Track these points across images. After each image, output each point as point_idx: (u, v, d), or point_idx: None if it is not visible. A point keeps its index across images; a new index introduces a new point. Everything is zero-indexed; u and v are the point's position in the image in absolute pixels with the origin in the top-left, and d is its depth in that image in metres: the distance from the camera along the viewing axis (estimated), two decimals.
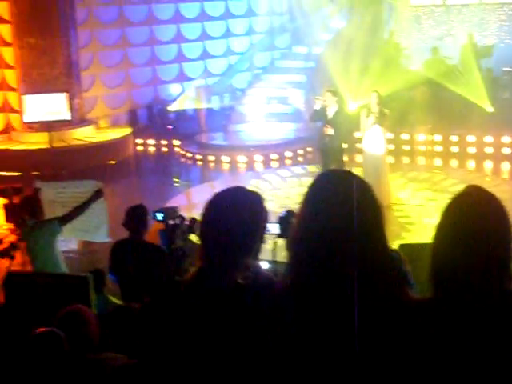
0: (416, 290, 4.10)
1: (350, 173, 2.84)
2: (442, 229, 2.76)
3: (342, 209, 2.63)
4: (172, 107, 22.30)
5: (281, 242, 4.67)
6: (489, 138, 18.13)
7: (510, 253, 2.70)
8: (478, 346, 2.61)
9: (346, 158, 14.55)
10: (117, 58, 21.76)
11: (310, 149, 18.99)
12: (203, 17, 23.44)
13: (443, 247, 2.73)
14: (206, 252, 2.90)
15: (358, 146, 16.76)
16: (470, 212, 2.72)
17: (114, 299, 7.65)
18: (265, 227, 2.99)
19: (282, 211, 4.70)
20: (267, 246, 3.11)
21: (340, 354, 2.59)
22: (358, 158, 16.24)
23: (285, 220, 4.66)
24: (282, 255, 4.48)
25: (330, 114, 13.88)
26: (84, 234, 9.75)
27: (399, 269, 2.81)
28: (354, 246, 2.60)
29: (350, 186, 2.70)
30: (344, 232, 2.61)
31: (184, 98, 22.60)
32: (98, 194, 8.53)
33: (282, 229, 4.61)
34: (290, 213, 4.69)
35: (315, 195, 2.76)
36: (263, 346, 2.72)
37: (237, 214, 2.87)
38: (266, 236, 3.01)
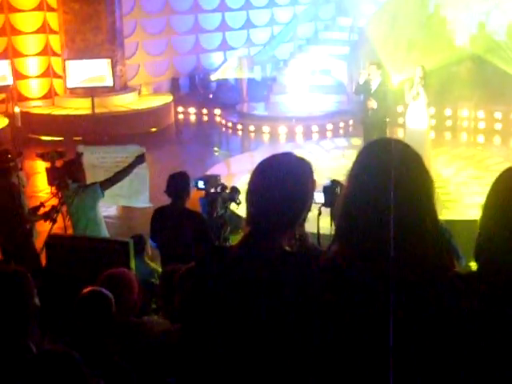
0: (464, 263, 4.09)
1: (401, 142, 2.78)
2: (490, 201, 2.71)
3: (390, 178, 2.59)
4: (214, 76, 22.28)
5: (325, 211, 4.64)
6: None
7: None
8: None
9: (388, 132, 14.43)
10: (160, 26, 21.77)
11: (351, 122, 18.89)
12: None
13: (491, 220, 2.69)
14: (253, 218, 2.87)
15: (400, 120, 16.66)
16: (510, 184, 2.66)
17: (153, 265, 7.70)
18: (312, 196, 2.96)
19: (326, 181, 4.65)
20: (311, 215, 3.09)
21: (384, 324, 2.57)
22: (400, 133, 16.13)
23: (329, 189, 4.63)
24: (326, 225, 4.47)
25: (374, 87, 13.79)
26: (126, 200, 9.78)
27: (449, 242, 2.78)
28: (401, 217, 2.56)
29: (400, 155, 2.66)
30: (394, 202, 2.57)
31: (226, 68, 22.55)
32: (140, 159, 8.55)
33: (326, 198, 4.58)
34: (334, 182, 4.65)
35: (364, 164, 2.72)
36: (306, 314, 2.71)
37: (285, 180, 2.83)
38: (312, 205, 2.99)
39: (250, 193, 2.90)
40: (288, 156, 2.96)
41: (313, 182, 2.94)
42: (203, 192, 8.53)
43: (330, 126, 19.04)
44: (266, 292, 2.77)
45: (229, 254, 2.90)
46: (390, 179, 2.58)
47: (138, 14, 21.22)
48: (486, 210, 2.69)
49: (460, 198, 12.83)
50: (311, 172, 2.93)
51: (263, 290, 2.78)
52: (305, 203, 2.90)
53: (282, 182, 2.82)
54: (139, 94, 20.71)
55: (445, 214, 11.20)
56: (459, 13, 22.14)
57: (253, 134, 19.16)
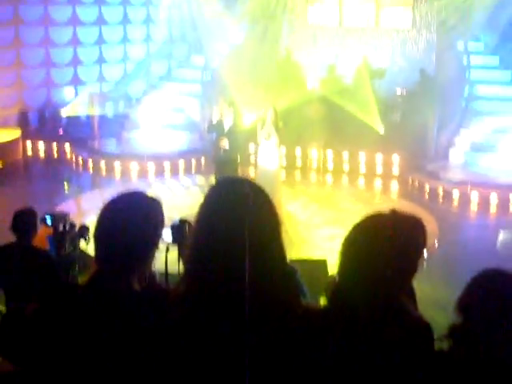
0: (308, 299, 4.15)
1: (246, 181, 2.81)
2: (348, 245, 2.78)
3: (239, 218, 2.61)
4: (65, 111, 21.90)
5: (173, 249, 4.61)
6: (379, 157, 18.52)
7: (407, 275, 2.76)
8: (365, 356, 2.66)
9: (239, 171, 14.57)
10: (9, 58, 21.19)
11: (203, 160, 18.98)
12: (100, 21, 23.10)
13: (346, 261, 2.76)
14: (101, 256, 2.84)
15: (251, 159, 16.90)
16: (376, 232, 2.75)
17: None
18: (160, 234, 2.96)
19: (174, 219, 4.63)
20: (159, 253, 3.07)
21: (232, 362, 2.57)
22: (252, 172, 16.34)
23: (178, 228, 4.60)
24: (173, 263, 4.44)
25: (226, 126, 13.91)
26: None
27: (295, 279, 2.83)
28: (249, 257, 2.57)
29: (246, 194, 2.68)
30: (240, 242, 2.58)
31: (77, 103, 22.22)
32: None
33: (174, 237, 4.56)
34: (182, 221, 4.63)
35: (211, 204, 2.73)
36: (155, 352, 2.68)
37: (134, 218, 2.82)
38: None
39: (97, 231, 2.87)
40: (137, 195, 2.95)
41: (162, 220, 2.93)
42: (51, 229, 8.32)
43: (182, 164, 19.06)
44: (113, 331, 2.74)
45: (77, 294, 2.85)
46: (237, 219, 2.59)
47: None
48: (344, 253, 2.77)
49: (308, 237, 13.07)
50: (160, 211, 2.92)
51: (111, 330, 2.75)
52: (153, 242, 2.89)
53: (130, 220, 2.81)
54: None
55: (293, 252, 11.39)
56: (309, 56, 22.84)
57: (104, 171, 18.92)
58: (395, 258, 2.69)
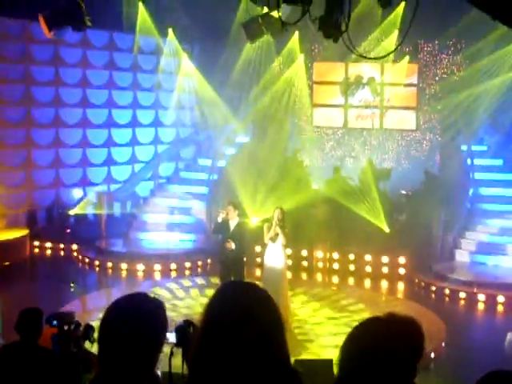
0: None
1: (251, 284, 2.86)
2: (348, 348, 2.82)
3: (242, 322, 2.64)
4: (73, 211, 22.07)
5: (177, 352, 4.60)
6: (385, 258, 18.53)
7: (406, 377, 2.79)
8: None
9: (245, 272, 14.57)
10: (19, 159, 21.49)
11: (209, 260, 19.03)
12: (110, 123, 23.55)
13: (348, 363, 2.79)
14: (104, 358, 2.85)
15: (257, 259, 16.94)
16: (371, 338, 2.79)
17: None
18: (164, 336, 2.97)
19: (179, 320, 4.65)
20: (163, 355, 3.09)
21: None
22: (258, 272, 16.36)
23: (182, 329, 4.61)
24: (178, 365, 4.43)
25: (232, 226, 13.97)
26: None
27: (299, 380, 2.84)
28: (253, 359, 2.60)
29: (251, 298, 2.72)
30: (244, 345, 2.61)
31: (85, 203, 22.42)
32: None
33: (178, 338, 4.56)
34: (187, 322, 4.64)
35: (216, 307, 2.76)
36: None
37: (137, 321, 2.84)
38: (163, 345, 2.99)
39: (100, 332, 2.89)
40: (139, 297, 2.97)
41: (165, 322, 2.96)
42: (56, 328, 8.30)
43: (188, 265, 19.10)
44: None
45: None
46: (241, 322, 2.63)
47: None
48: (343, 354, 2.80)
49: (316, 338, 12.97)
50: (163, 313, 2.95)
51: None
52: (156, 344, 2.90)
53: (133, 322, 2.83)
54: None
55: (301, 353, 11.31)
56: (315, 157, 23.17)
57: (110, 271, 18.94)
58: (391, 362, 2.72)
